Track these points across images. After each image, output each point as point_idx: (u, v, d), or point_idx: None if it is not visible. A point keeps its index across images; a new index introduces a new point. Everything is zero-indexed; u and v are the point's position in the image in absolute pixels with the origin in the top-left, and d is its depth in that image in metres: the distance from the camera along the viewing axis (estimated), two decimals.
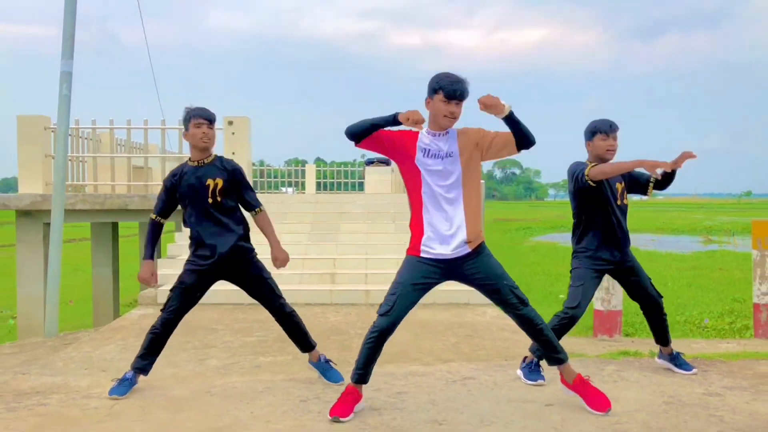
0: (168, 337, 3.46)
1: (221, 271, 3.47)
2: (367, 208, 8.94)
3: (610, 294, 4.89)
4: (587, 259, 3.57)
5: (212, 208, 3.43)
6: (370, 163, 15.23)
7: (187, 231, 3.84)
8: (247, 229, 3.55)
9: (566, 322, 3.53)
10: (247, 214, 3.59)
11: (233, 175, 3.48)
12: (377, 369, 3.66)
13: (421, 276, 2.96)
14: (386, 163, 14.17)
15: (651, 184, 3.68)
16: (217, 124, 10.39)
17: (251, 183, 9.38)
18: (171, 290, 3.46)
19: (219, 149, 9.83)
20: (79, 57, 5.98)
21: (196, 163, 3.47)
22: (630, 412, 3.03)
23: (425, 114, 2.90)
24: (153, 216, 3.54)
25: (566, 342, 4.59)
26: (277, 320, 3.59)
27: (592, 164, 3.45)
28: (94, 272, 10.41)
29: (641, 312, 3.79)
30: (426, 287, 3.00)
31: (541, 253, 14.04)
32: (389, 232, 8.05)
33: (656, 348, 3.90)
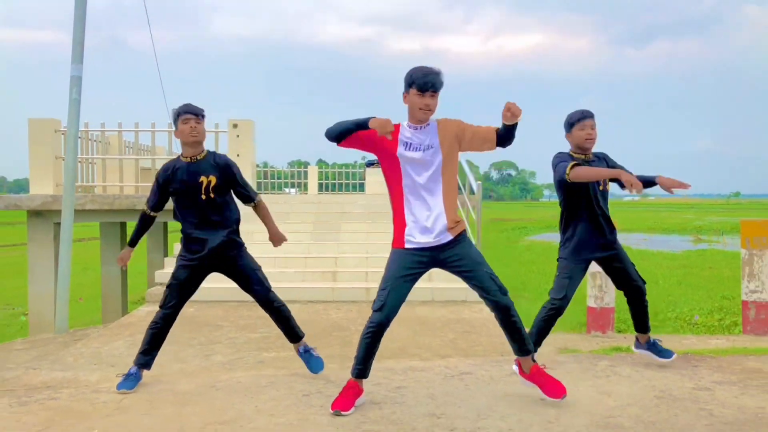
0: (168, 331, 3.54)
1: (212, 265, 3.53)
2: (368, 208, 9.02)
3: (603, 291, 4.95)
4: (573, 249, 3.62)
5: (205, 205, 3.45)
6: (370, 164, 15.31)
7: None
8: (237, 223, 3.59)
9: (553, 312, 3.62)
10: (243, 208, 3.63)
11: (226, 170, 3.50)
12: (377, 364, 3.74)
13: (407, 267, 3.02)
14: None
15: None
16: (222, 127, 10.45)
17: (254, 183, 9.41)
18: (167, 286, 3.54)
19: (224, 151, 9.97)
20: (88, 62, 6.10)
21: (189, 160, 3.46)
22: (622, 406, 3.09)
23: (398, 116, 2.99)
24: (145, 209, 3.59)
25: (560, 338, 4.69)
26: (267, 312, 3.64)
27: (572, 164, 3.47)
28: (103, 270, 10.56)
29: (634, 308, 3.82)
30: (414, 277, 3.06)
31: (536, 252, 14.08)
32: (389, 232, 7.97)
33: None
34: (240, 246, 3.58)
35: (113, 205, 8.23)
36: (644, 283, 3.75)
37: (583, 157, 3.61)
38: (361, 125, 2.93)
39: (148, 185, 9.65)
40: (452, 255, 3.04)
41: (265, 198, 9.63)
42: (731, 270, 9.61)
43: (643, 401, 3.18)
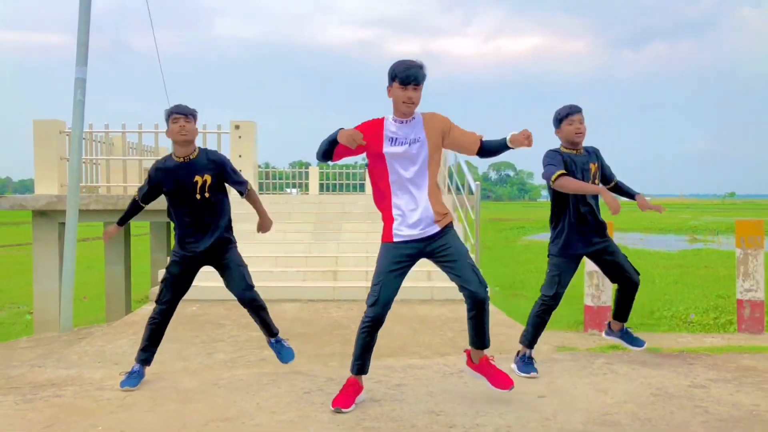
0: (165, 326, 3.58)
1: (204, 260, 3.57)
2: (368, 208, 9.05)
3: (599, 290, 4.99)
4: (562, 246, 3.65)
5: (199, 205, 3.47)
6: None
7: None
8: (229, 221, 3.63)
9: (545, 308, 3.66)
10: (243, 208, 3.67)
11: (220, 167, 3.50)
12: (377, 362, 3.79)
13: (396, 261, 3.05)
14: None
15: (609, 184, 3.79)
16: (224, 128, 10.50)
17: (256, 184, 9.45)
18: (161, 281, 3.59)
19: (226, 152, 10.04)
20: (92, 64, 6.16)
21: (181, 159, 3.45)
22: (619, 404, 3.12)
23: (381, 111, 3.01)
24: (136, 196, 3.63)
25: (557, 336, 4.72)
26: (247, 309, 3.66)
27: (559, 173, 3.49)
28: (107, 270, 10.62)
29: (622, 298, 3.81)
30: (403, 270, 3.09)
31: (534, 251, 14.14)
32: None
33: (648, 343, 3.98)
34: (231, 243, 3.62)
35: (117, 206, 8.29)
36: (638, 274, 3.74)
37: (574, 152, 3.63)
38: (334, 141, 2.98)
39: None
40: (438, 246, 3.07)
41: (267, 198, 9.74)
42: (726, 269, 9.65)
43: (639, 398, 3.21)
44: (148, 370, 3.63)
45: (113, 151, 10.95)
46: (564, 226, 3.64)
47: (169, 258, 6.52)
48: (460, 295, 6.81)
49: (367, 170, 3.38)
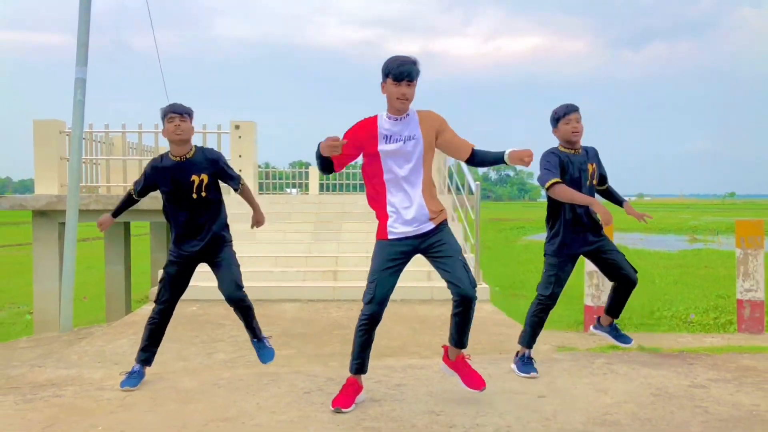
0: (165, 326, 3.58)
1: (200, 258, 3.57)
2: (368, 208, 8.97)
3: (599, 290, 4.99)
4: (558, 246, 3.65)
5: (196, 204, 3.46)
6: None
7: None
8: (225, 219, 3.62)
9: (542, 308, 3.67)
10: (245, 209, 3.66)
11: (216, 165, 3.50)
12: (377, 362, 3.79)
13: (391, 258, 3.05)
14: None
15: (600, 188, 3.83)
16: (224, 128, 10.48)
17: (256, 184, 9.45)
18: (160, 281, 3.59)
19: (226, 152, 10.04)
20: (92, 64, 6.16)
21: (178, 158, 3.43)
22: (619, 403, 3.13)
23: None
24: (131, 190, 3.61)
25: (557, 336, 4.71)
26: (234, 309, 3.61)
27: (554, 181, 3.51)
28: (107, 270, 10.64)
29: (617, 295, 3.78)
30: (398, 267, 3.08)
31: (534, 251, 14.16)
32: None
33: (645, 342, 4.00)
34: (226, 241, 3.61)
35: (116, 204, 8.28)
36: (636, 272, 3.73)
37: (572, 151, 3.63)
38: (320, 156, 2.97)
39: None
40: (433, 242, 3.07)
41: (267, 198, 9.74)
42: (726, 269, 9.66)
43: (639, 398, 3.21)
44: (148, 370, 3.63)
45: (113, 151, 10.96)
46: (560, 226, 3.65)
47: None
48: None
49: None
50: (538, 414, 2.99)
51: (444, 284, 6.84)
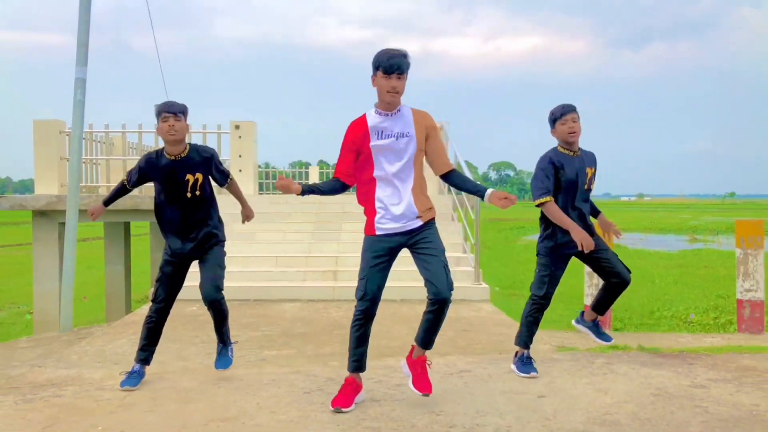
0: (162, 324, 3.58)
1: (194, 256, 3.56)
2: None
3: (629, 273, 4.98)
4: (551, 246, 3.66)
5: (189, 203, 3.46)
6: None
7: None
8: (218, 217, 3.62)
9: (537, 307, 3.68)
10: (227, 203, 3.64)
11: (210, 163, 3.49)
12: (378, 362, 3.79)
13: (379, 256, 3.05)
14: None
15: None
16: (224, 128, 10.45)
17: (256, 184, 9.42)
18: (156, 280, 3.58)
19: (226, 152, 10.04)
20: (92, 64, 6.17)
21: (173, 157, 3.42)
22: (619, 403, 3.13)
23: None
24: (125, 181, 3.60)
25: (557, 336, 4.71)
26: (209, 310, 3.58)
27: (547, 199, 3.56)
28: (107, 270, 10.64)
29: (607, 293, 3.77)
30: (387, 263, 3.09)
31: (534, 251, 14.19)
32: None
33: (645, 342, 3.99)
34: (220, 240, 3.60)
35: (117, 206, 8.24)
36: (629, 272, 3.72)
37: (570, 153, 3.63)
38: (321, 190, 3.05)
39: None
40: (419, 239, 3.07)
41: (267, 198, 9.74)
42: (726, 269, 9.67)
43: (639, 398, 3.21)
44: (148, 369, 3.64)
45: (113, 151, 10.97)
46: (553, 225, 3.65)
47: None
48: (461, 295, 6.86)
49: None
50: (538, 414, 2.99)
51: None
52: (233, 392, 3.37)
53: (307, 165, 23.22)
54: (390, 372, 3.72)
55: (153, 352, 3.60)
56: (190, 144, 3.51)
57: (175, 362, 4.07)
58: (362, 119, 3.05)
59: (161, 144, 3.50)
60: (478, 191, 3.09)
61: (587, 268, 5.00)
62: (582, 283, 5.23)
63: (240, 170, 9.40)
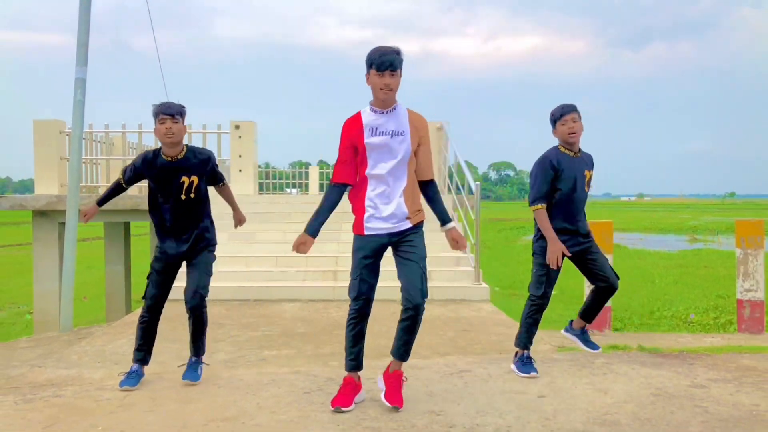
0: (156, 322, 3.56)
1: (184, 257, 3.55)
2: None
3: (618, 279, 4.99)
4: (546, 246, 3.66)
5: (183, 205, 3.45)
6: None
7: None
8: (211, 220, 3.61)
9: (536, 308, 3.69)
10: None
11: (206, 165, 3.48)
12: (378, 362, 3.78)
13: (368, 256, 3.07)
14: None
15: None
16: (224, 128, 10.44)
17: (256, 184, 9.41)
18: (147, 277, 3.58)
19: (226, 152, 10.05)
20: (92, 64, 6.17)
21: (169, 159, 3.41)
22: (619, 404, 3.13)
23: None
24: (121, 179, 3.59)
25: (557, 336, 4.71)
26: (189, 315, 3.55)
27: (538, 206, 3.61)
28: (107, 269, 10.64)
29: (595, 300, 3.80)
30: (376, 263, 3.10)
31: None
32: None
33: (645, 342, 4.00)
34: (211, 244, 3.59)
35: (117, 206, 8.30)
36: (618, 278, 3.74)
37: (570, 153, 3.64)
38: (326, 209, 3.14)
39: None
40: (404, 241, 3.07)
41: (267, 198, 9.74)
42: (726, 269, 9.68)
43: (639, 398, 3.21)
44: (147, 370, 3.64)
45: (113, 151, 10.97)
46: (552, 226, 3.66)
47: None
48: (461, 295, 6.85)
49: None
50: (538, 414, 2.99)
51: (444, 284, 6.82)
52: (233, 392, 3.37)
53: (307, 165, 23.24)
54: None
55: (150, 351, 3.60)
56: (187, 146, 3.50)
57: (175, 362, 4.06)
58: (357, 116, 3.05)
59: (160, 144, 3.49)
60: (442, 219, 3.15)
61: None
62: (582, 283, 5.22)
63: (240, 170, 9.40)
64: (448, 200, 8.73)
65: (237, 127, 9.32)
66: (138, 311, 6.06)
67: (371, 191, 3.04)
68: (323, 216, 3.12)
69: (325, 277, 6.90)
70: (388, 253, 3.19)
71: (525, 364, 3.67)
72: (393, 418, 2.95)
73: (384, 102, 2.99)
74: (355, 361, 3.16)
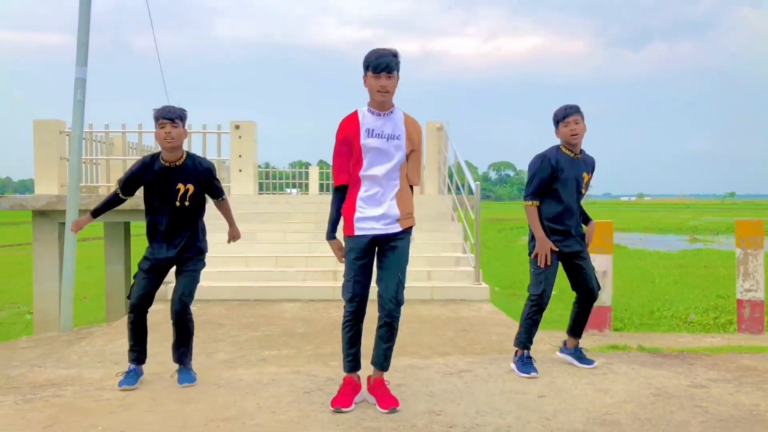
0: (144, 320, 3.54)
1: (173, 262, 3.55)
2: None
3: (599, 290, 4.99)
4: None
5: (177, 211, 3.45)
6: None
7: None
8: (203, 228, 3.61)
9: (537, 308, 3.69)
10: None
11: (205, 177, 3.48)
12: None
13: (360, 257, 3.06)
14: None
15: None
16: (224, 128, 10.42)
17: (256, 184, 9.40)
18: (134, 276, 3.57)
19: (226, 152, 10.03)
20: (92, 64, 6.17)
21: (168, 164, 3.41)
22: (619, 404, 3.13)
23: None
24: (117, 189, 3.55)
25: (557, 336, 4.72)
26: (175, 322, 3.54)
27: (532, 203, 3.67)
28: (107, 270, 10.64)
29: (578, 313, 3.87)
30: (369, 262, 3.09)
31: None
32: None
33: (645, 342, 4.00)
34: (201, 252, 3.58)
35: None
36: (599, 289, 3.82)
37: (571, 154, 3.66)
38: (331, 231, 3.16)
39: None
40: (390, 245, 3.07)
41: (267, 198, 9.74)
42: (726, 269, 9.69)
43: (639, 398, 3.21)
44: (147, 369, 3.64)
45: (113, 151, 10.97)
46: (543, 226, 3.68)
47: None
48: (460, 295, 6.84)
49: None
50: (538, 414, 2.99)
51: (444, 284, 6.83)
52: (233, 392, 3.37)
53: (307, 165, 23.24)
54: (390, 372, 3.68)
55: (143, 350, 3.59)
56: (188, 153, 3.50)
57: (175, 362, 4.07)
58: (354, 116, 3.06)
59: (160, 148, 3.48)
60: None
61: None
62: None
63: (240, 170, 9.40)
64: (447, 200, 8.73)
65: (237, 127, 9.32)
66: None
67: (363, 192, 3.05)
68: (337, 219, 3.17)
69: (325, 277, 6.90)
70: None
71: (525, 364, 3.67)
72: (393, 418, 2.95)
73: (381, 104, 3.00)
74: (353, 362, 3.16)
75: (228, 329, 5.15)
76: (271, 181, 18.24)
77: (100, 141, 10.44)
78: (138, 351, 3.57)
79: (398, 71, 2.98)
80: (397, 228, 3.06)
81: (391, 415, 3.00)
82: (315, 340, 4.76)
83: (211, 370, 3.90)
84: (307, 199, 10.81)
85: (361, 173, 3.03)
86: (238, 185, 9.34)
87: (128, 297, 3.54)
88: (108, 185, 10.04)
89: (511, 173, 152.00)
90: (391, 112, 3.04)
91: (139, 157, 3.94)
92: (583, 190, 3.71)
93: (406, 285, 3.13)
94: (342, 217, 3.14)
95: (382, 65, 2.91)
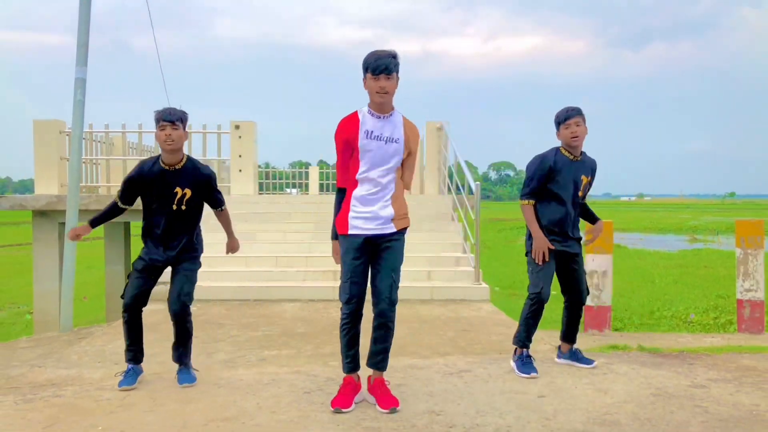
0: (139, 320, 3.53)
1: (169, 264, 3.55)
2: None
3: (599, 290, 5.00)
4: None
5: (174, 215, 3.45)
6: None
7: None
8: (199, 230, 3.61)
9: (536, 307, 3.69)
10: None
11: (204, 184, 3.47)
12: None
13: (356, 257, 3.06)
14: None
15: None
16: (224, 128, 10.43)
17: (256, 184, 9.40)
18: (128, 276, 3.57)
19: (226, 152, 10.03)
20: (92, 64, 6.17)
21: (167, 167, 3.40)
22: (619, 404, 3.13)
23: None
24: (117, 199, 3.54)
25: (557, 336, 4.72)
26: (174, 323, 3.54)
27: (528, 201, 3.70)
28: (107, 270, 10.64)
29: (570, 318, 3.88)
30: (365, 261, 3.09)
31: None
32: None
33: (645, 342, 4.00)
34: (197, 252, 3.59)
35: None
36: (588, 294, 3.85)
37: (571, 156, 3.67)
38: (335, 235, 3.17)
39: None
40: (385, 246, 3.08)
41: (267, 198, 9.75)
42: (726, 269, 9.70)
43: (639, 398, 3.22)
44: (148, 369, 3.64)
45: (113, 151, 10.98)
46: (539, 224, 3.69)
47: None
48: (460, 295, 6.85)
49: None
50: (538, 414, 2.99)
51: (444, 284, 6.83)
52: (233, 392, 3.37)
53: (307, 165, 23.25)
54: (390, 372, 3.69)
55: (140, 349, 3.59)
56: (189, 157, 3.49)
57: (175, 362, 4.07)
58: (354, 115, 3.06)
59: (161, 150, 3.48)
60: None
61: (588, 269, 5.01)
62: None
63: (240, 170, 9.40)
64: (447, 200, 8.73)
65: (237, 127, 9.32)
66: None
67: (359, 192, 3.06)
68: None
69: (325, 277, 6.90)
70: None
71: (525, 364, 3.67)
72: (393, 418, 2.95)
73: (381, 106, 3.01)
74: (352, 363, 3.17)
75: (228, 329, 5.15)
76: (271, 181, 18.23)
77: (100, 141, 10.44)
78: (134, 350, 3.56)
79: (397, 72, 2.99)
80: (391, 228, 3.07)
81: (391, 415, 3.00)
82: (315, 340, 4.77)
83: (211, 370, 3.90)
84: (307, 199, 10.81)
85: (358, 174, 3.04)
86: (238, 185, 9.34)
87: (122, 297, 3.53)
88: (108, 185, 10.04)
89: (511, 173, 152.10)
90: (391, 114, 3.06)
91: (139, 158, 3.93)
92: (580, 193, 3.71)
93: (406, 285, 3.15)
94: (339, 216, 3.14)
95: (381, 67, 2.92)
